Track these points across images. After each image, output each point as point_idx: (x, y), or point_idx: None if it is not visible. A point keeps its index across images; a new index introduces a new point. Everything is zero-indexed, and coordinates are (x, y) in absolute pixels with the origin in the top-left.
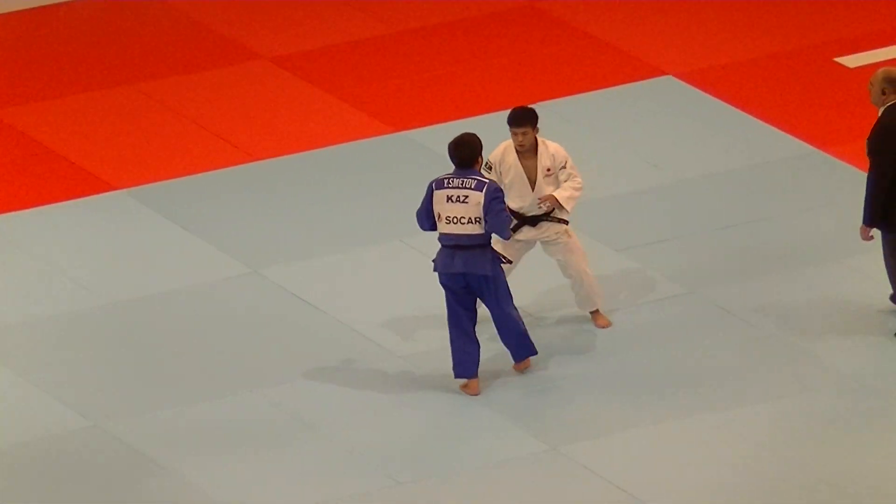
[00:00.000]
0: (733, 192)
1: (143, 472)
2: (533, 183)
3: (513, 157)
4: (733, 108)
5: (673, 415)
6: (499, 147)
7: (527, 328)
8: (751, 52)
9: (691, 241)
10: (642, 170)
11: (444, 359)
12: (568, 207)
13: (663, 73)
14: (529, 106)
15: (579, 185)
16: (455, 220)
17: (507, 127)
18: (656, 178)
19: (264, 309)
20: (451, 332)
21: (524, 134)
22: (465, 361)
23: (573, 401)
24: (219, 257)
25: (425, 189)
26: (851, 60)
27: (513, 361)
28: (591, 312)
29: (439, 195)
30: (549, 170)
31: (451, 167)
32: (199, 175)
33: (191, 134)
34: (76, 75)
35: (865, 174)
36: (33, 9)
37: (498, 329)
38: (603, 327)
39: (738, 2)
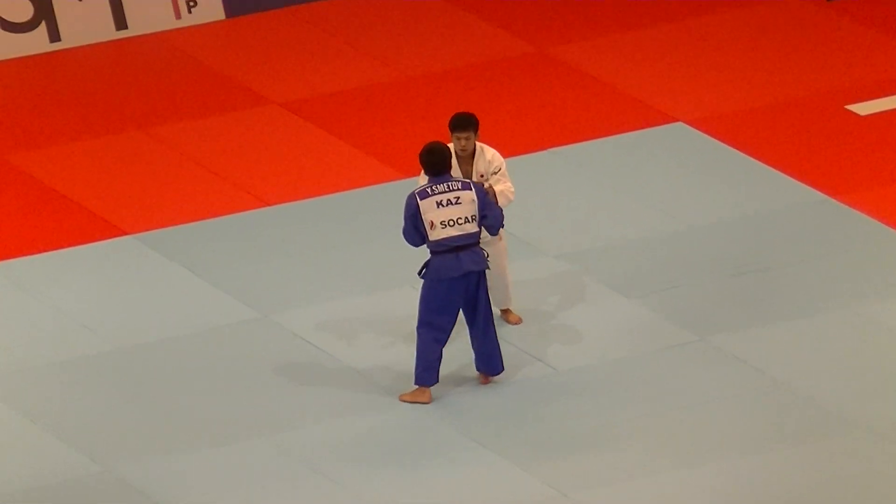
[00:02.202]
0: (745, 239)
1: None
2: None
3: (452, 160)
4: (744, 155)
5: (683, 464)
6: None
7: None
8: (762, 99)
9: (702, 289)
10: (654, 216)
11: (454, 406)
12: (499, 200)
13: (675, 119)
14: (471, 112)
15: (512, 189)
16: (452, 223)
17: (450, 132)
18: (668, 225)
19: (274, 354)
20: (424, 339)
21: (467, 139)
22: (432, 369)
23: (577, 447)
24: (229, 302)
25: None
26: (863, 108)
27: (476, 370)
28: (503, 310)
29: (427, 204)
30: (482, 175)
31: None
32: (210, 220)
33: (201, 179)
34: (87, 120)
35: (877, 222)
36: (45, 54)
37: (480, 338)
38: (514, 323)
39: (750, 48)
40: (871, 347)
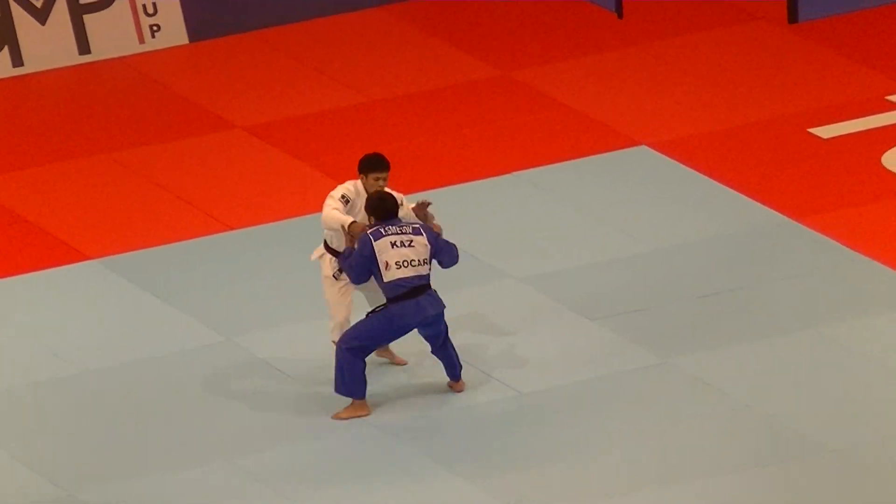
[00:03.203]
0: (707, 261)
1: None
2: None
3: (363, 201)
4: (707, 179)
5: (646, 486)
6: (349, 186)
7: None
8: (725, 122)
9: (666, 311)
10: (617, 239)
11: (417, 428)
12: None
13: (637, 143)
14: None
15: None
16: (407, 264)
17: (364, 173)
18: (631, 248)
19: (238, 377)
20: (354, 358)
21: (385, 179)
22: (362, 383)
23: (542, 470)
24: (193, 326)
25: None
26: (825, 131)
27: (450, 379)
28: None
29: (382, 244)
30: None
31: None
32: (174, 244)
33: (165, 203)
34: (51, 144)
35: (839, 244)
36: (7, 78)
37: (444, 351)
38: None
39: (713, 72)
40: (834, 369)
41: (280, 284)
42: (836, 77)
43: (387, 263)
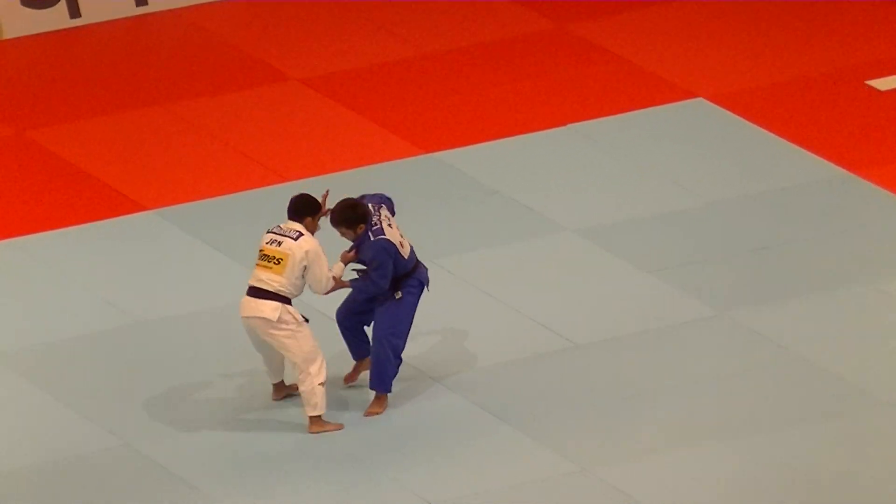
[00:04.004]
0: (764, 214)
1: (173, 492)
2: None
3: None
4: (764, 131)
5: (703, 439)
6: (309, 241)
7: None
8: (782, 74)
9: (722, 264)
10: (673, 192)
11: (472, 380)
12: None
13: (694, 95)
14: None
15: None
16: (403, 234)
17: (312, 215)
18: (687, 201)
19: None
20: (403, 348)
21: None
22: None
23: (600, 422)
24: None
25: (383, 257)
26: (883, 83)
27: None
28: (281, 384)
29: (388, 232)
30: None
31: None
32: (230, 196)
33: (221, 154)
34: (107, 96)
35: None
36: (64, 30)
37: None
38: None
39: (770, 24)
40: (891, 322)
41: (335, 236)
42: (894, 29)
43: (400, 243)
